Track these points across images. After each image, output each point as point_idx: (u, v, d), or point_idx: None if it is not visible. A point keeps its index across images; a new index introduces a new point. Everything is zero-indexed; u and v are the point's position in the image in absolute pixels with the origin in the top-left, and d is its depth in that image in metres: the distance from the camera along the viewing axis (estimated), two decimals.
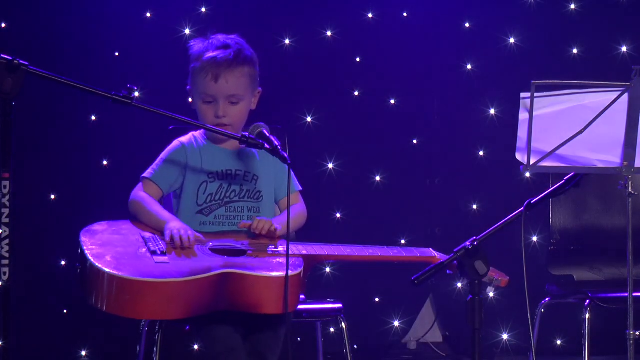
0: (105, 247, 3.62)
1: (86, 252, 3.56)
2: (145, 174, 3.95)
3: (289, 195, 3.66)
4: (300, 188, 4.10)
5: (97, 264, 3.48)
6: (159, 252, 3.61)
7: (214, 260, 3.62)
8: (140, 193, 3.92)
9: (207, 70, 3.90)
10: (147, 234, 3.76)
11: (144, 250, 3.64)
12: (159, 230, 3.80)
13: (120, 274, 3.44)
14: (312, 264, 3.81)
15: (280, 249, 3.75)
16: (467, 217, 5.84)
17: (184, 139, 4.02)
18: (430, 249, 3.87)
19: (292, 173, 4.01)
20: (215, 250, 3.71)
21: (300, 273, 3.61)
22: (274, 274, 3.55)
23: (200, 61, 3.93)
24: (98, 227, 3.79)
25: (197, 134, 4.04)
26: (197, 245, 3.73)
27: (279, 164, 3.94)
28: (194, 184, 3.93)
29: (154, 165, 3.97)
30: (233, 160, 3.98)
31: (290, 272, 3.54)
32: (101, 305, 3.47)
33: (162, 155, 3.99)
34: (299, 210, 4.05)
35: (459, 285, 5.82)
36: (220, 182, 3.94)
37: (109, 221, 3.86)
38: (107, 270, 3.46)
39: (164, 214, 3.85)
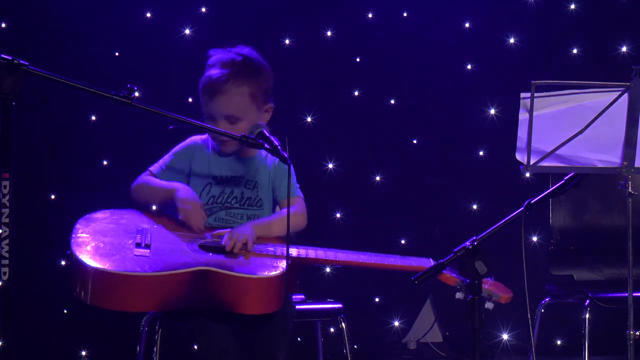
0: (93, 236, 3.64)
1: (71, 240, 3.59)
2: (152, 168, 3.98)
3: (289, 194, 3.63)
4: (301, 195, 4.04)
5: (75, 253, 3.52)
6: (142, 245, 3.62)
7: (196, 257, 3.62)
8: (145, 177, 3.95)
9: (205, 88, 3.92)
10: (146, 225, 3.77)
11: (130, 242, 3.64)
12: (170, 199, 3.84)
13: (94, 264, 3.47)
14: (305, 266, 3.79)
15: (271, 249, 3.73)
16: (467, 217, 5.84)
17: (198, 138, 4.04)
18: (430, 260, 3.79)
19: (294, 179, 4.00)
20: (204, 247, 3.71)
21: (281, 275, 3.57)
22: (251, 275, 3.55)
23: (202, 80, 3.94)
24: (99, 215, 3.82)
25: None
26: (186, 243, 3.72)
27: (279, 170, 3.94)
28: (200, 185, 3.95)
29: (163, 160, 4.00)
30: (237, 166, 3.99)
31: (268, 273, 3.54)
32: (77, 295, 3.49)
33: (174, 149, 4.03)
34: (295, 211, 3.93)
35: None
36: (222, 187, 3.95)
37: (113, 210, 3.87)
38: (80, 258, 3.49)
39: (173, 183, 3.89)
